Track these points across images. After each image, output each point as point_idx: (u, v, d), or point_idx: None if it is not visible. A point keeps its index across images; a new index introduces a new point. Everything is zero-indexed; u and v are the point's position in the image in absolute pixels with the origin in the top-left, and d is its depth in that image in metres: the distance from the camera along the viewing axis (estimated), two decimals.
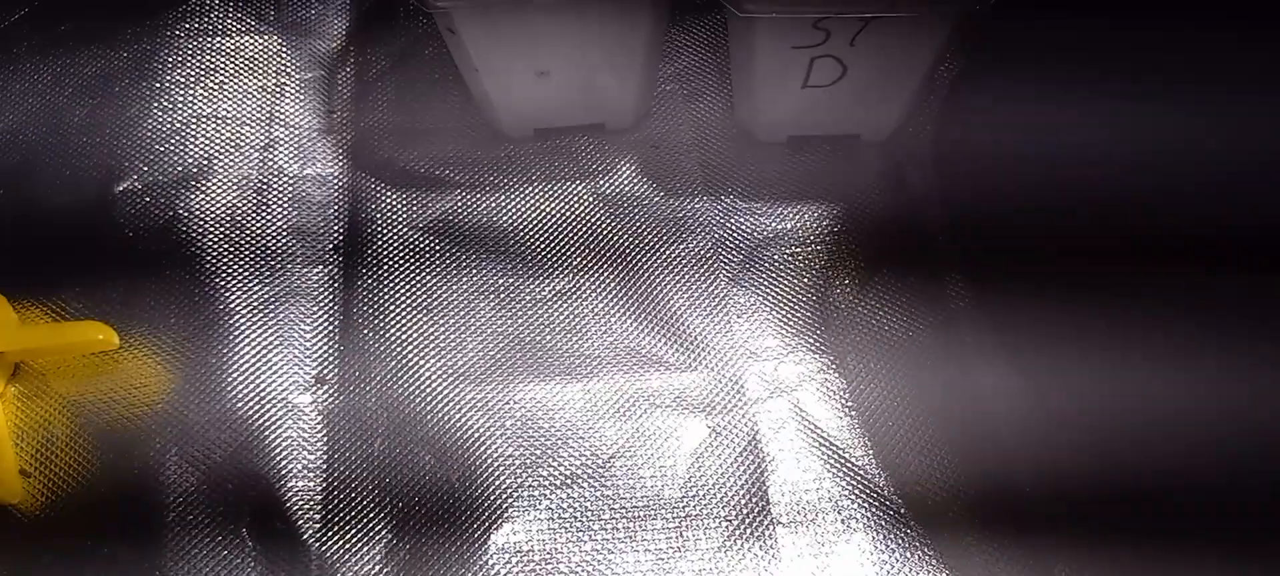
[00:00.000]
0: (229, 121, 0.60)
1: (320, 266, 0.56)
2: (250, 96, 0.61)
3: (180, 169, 0.58)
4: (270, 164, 0.59)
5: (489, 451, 0.50)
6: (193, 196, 0.57)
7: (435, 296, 0.55)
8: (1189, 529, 0.46)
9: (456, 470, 0.49)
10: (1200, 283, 0.49)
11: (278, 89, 0.62)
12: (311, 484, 0.49)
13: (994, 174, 0.56)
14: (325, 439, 0.50)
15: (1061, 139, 0.56)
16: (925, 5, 0.46)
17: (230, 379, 0.52)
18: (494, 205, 0.57)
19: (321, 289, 0.55)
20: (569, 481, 0.49)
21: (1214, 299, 0.49)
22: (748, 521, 0.48)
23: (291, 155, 0.59)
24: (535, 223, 0.57)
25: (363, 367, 0.52)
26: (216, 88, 0.61)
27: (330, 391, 0.52)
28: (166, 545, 0.47)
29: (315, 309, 0.54)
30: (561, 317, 0.54)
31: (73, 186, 0.57)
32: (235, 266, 0.55)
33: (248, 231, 0.56)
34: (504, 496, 0.49)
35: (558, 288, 0.55)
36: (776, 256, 0.56)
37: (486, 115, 0.58)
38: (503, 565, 0.47)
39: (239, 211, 0.57)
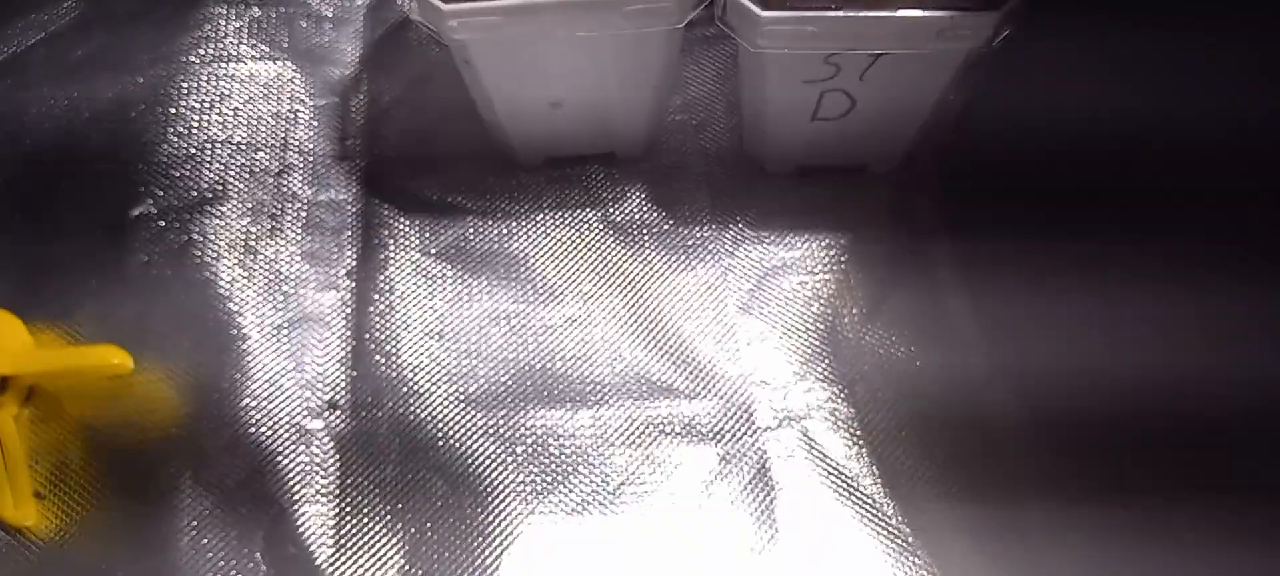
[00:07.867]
0: (243, 147, 0.61)
1: (333, 292, 0.56)
2: (264, 123, 0.62)
3: (195, 194, 0.59)
4: (284, 189, 0.59)
5: (500, 477, 0.50)
6: (207, 221, 0.58)
7: (447, 322, 0.55)
8: (1198, 544, 0.46)
9: (468, 496, 0.50)
10: (1210, 300, 0.49)
11: (292, 115, 0.62)
12: (324, 509, 0.49)
13: (1000, 203, 0.57)
14: (338, 464, 0.51)
15: (1067, 169, 0.56)
16: (934, 42, 0.47)
17: (243, 403, 0.52)
18: (505, 232, 0.58)
19: (334, 314, 0.55)
20: (579, 508, 0.50)
21: (1225, 312, 0.49)
22: (757, 550, 0.48)
23: (305, 181, 0.60)
24: (546, 250, 0.58)
25: (375, 393, 0.53)
26: (231, 114, 0.62)
27: (343, 417, 0.52)
28: (180, 569, 0.48)
29: (328, 334, 0.55)
30: (572, 345, 0.54)
31: (89, 211, 0.58)
32: (249, 291, 0.56)
33: (261, 257, 0.57)
34: (515, 522, 0.49)
35: (568, 314, 0.55)
36: (785, 285, 0.56)
37: (499, 143, 0.59)
38: None
39: (253, 237, 0.57)
